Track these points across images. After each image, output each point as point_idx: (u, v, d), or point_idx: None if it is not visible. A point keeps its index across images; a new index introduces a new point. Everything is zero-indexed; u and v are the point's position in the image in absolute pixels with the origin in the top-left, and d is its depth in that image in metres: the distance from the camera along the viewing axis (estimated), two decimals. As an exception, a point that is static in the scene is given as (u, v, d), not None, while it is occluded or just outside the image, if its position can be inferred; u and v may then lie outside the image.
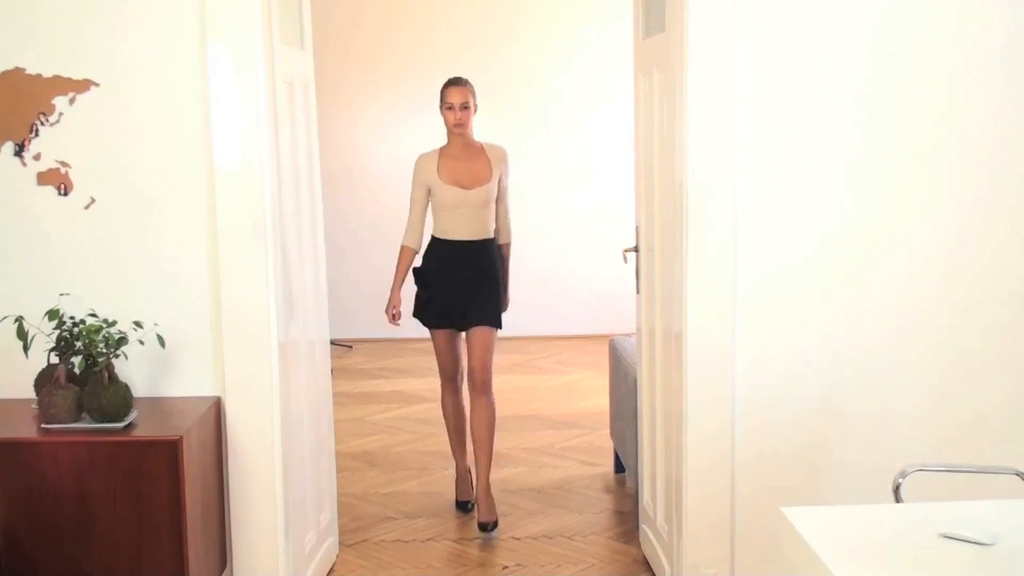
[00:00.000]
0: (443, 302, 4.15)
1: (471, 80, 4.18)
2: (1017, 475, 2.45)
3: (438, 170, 4.09)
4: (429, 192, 4.13)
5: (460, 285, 4.14)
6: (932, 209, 3.01)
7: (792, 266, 3.02)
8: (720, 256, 2.99)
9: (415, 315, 4.24)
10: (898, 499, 2.38)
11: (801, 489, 3.07)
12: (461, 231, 4.13)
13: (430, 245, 4.21)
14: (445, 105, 4.12)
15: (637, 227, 3.60)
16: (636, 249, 3.61)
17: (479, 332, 4.15)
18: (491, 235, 4.22)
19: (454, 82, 4.14)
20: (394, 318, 4.24)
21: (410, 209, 4.19)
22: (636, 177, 3.64)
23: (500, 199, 4.23)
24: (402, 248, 4.20)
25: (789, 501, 2.95)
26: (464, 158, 4.13)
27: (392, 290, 4.23)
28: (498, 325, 4.22)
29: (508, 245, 4.34)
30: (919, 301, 3.04)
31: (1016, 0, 2.92)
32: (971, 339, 3.05)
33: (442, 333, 4.20)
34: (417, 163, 4.18)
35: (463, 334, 4.22)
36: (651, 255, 3.41)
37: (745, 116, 2.95)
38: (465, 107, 4.08)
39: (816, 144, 2.98)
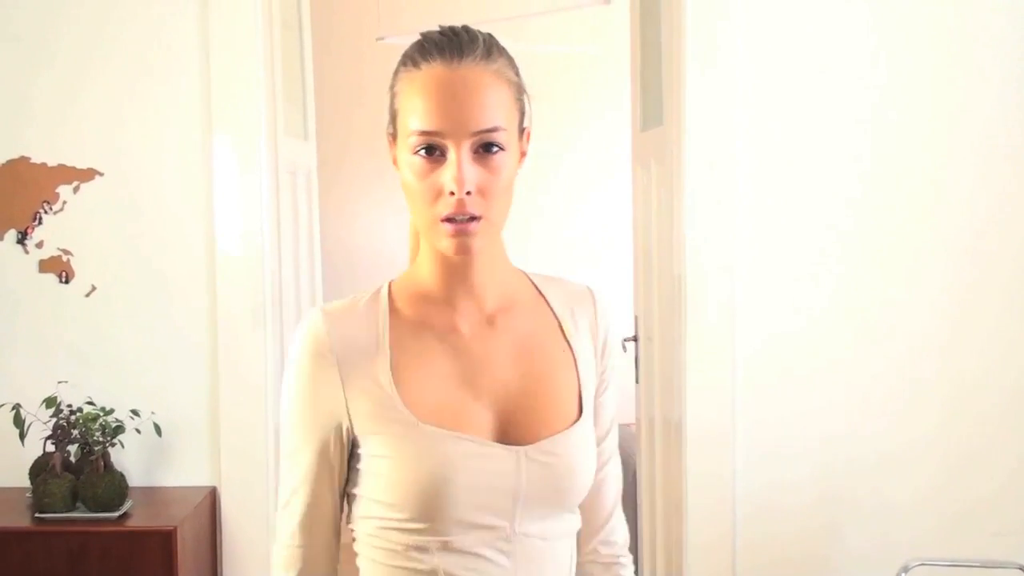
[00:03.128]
0: None
1: None
2: (1020, 569, 2.43)
3: (393, 372, 1.33)
4: (351, 460, 1.38)
5: None
6: (929, 293, 3.02)
7: (790, 353, 3.02)
8: (719, 345, 2.99)
9: None
10: (901, 593, 2.36)
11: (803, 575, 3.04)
12: None
13: None
14: (413, 139, 1.29)
15: (636, 316, 3.61)
16: (635, 338, 3.61)
17: None
18: None
19: (441, 48, 1.29)
20: None
21: (280, 520, 1.43)
22: (635, 267, 3.66)
23: (601, 456, 1.47)
24: None
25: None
26: (478, 332, 1.38)
27: None
28: None
29: None
30: (916, 388, 3.03)
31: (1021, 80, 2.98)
32: (970, 425, 3.03)
33: None
34: (300, 347, 1.39)
35: None
36: (650, 344, 3.42)
37: (743, 208, 2.98)
38: (486, 146, 1.28)
39: (814, 234, 3.00)
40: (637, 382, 3.62)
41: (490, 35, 1.34)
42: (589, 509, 1.48)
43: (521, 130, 1.39)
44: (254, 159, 2.98)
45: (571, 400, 1.40)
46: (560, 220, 7.23)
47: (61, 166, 3.01)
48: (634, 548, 3.76)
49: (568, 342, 1.43)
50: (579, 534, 1.46)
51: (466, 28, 1.33)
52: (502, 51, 1.35)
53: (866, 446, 3.03)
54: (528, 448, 1.33)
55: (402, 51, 1.37)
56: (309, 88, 3.54)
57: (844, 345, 3.02)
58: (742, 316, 3.00)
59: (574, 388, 1.41)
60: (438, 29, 1.33)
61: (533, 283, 1.48)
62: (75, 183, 3.01)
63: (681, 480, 3.05)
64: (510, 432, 1.34)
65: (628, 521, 1.45)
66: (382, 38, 6.52)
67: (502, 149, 1.30)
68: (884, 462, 3.03)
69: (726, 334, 2.99)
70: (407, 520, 1.31)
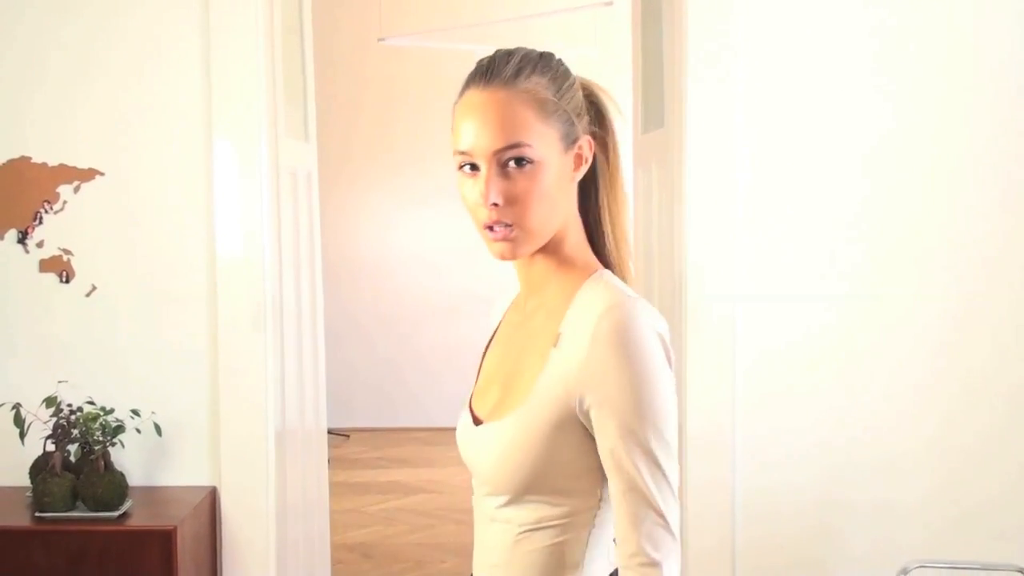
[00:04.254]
0: None
1: None
2: (1019, 572, 2.43)
3: (488, 344, 1.67)
4: None
5: None
6: (929, 298, 3.01)
7: (790, 356, 3.02)
8: (719, 348, 2.99)
9: None
10: (900, 596, 2.36)
11: (802, 585, 3.04)
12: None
13: None
14: (457, 158, 1.44)
15: (636, 318, 3.61)
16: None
17: None
18: None
19: (475, 74, 1.43)
20: None
21: None
22: (635, 269, 3.66)
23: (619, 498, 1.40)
24: None
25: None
26: (521, 324, 1.58)
27: None
28: None
29: None
30: (915, 392, 3.03)
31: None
32: (969, 429, 3.03)
33: None
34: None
35: None
36: (650, 347, 3.41)
37: (744, 209, 2.98)
38: (518, 161, 1.39)
39: (815, 237, 3.00)
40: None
41: (535, 55, 1.45)
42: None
43: (573, 140, 1.46)
44: (255, 159, 2.98)
45: (525, 395, 1.46)
46: (561, 222, 7.22)
47: (62, 166, 3.01)
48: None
49: (552, 349, 1.45)
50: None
51: (509, 51, 1.44)
52: (539, 70, 1.44)
53: (866, 451, 3.03)
54: (480, 427, 1.52)
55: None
56: (310, 89, 3.54)
57: (845, 350, 3.02)
58: (743, 319, 3.00)
59: (531, 388, 1.45)
60: (483, 61, 1.45)
61: (583, 288, 1.52)
62: (76, 183, 3.01)
63: (682, 485, 3.05)
64: (496, 413, 1.51)
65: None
66: (383, 39, 6.53)
67: (531, 162, 1.40)
68: (884, 466, 3.03)
69: (726, 337, 2.99)
70: None
